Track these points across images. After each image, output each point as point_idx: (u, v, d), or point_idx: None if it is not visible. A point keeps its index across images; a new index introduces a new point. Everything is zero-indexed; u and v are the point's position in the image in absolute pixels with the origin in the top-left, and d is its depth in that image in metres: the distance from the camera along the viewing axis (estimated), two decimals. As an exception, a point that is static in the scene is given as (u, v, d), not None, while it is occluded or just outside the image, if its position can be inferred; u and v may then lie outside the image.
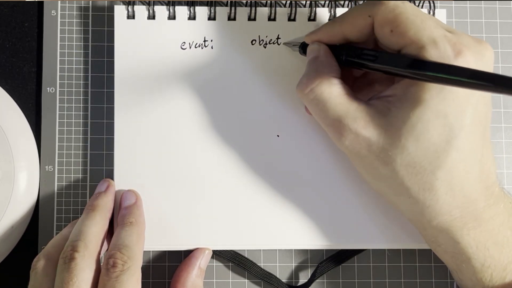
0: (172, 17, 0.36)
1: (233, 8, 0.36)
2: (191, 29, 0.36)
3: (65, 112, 0.36)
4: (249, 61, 0.36)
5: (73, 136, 0.36)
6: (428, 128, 0.28)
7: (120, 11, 0.36)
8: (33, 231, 0.36)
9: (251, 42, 0.36)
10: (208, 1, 0.36)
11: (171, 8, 0.36)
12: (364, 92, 0.34)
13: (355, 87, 0.34)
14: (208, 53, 0.36)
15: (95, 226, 0.31)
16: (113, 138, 0.35)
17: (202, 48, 0.36)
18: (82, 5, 0.37)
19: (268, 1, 0.36)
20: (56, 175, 0.36)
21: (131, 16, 0.36)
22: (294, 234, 0.35)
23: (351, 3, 0.36)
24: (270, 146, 0.36)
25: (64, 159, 0.36)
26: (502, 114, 0.38)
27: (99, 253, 0.31)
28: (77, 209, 0.36)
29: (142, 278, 0.31)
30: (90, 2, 0.37)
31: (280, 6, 0.36)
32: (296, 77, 0.36)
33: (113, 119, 0.36)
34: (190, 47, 0.36)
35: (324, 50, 0.32)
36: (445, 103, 0.28)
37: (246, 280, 0.37)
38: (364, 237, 0.35)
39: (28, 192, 0.35)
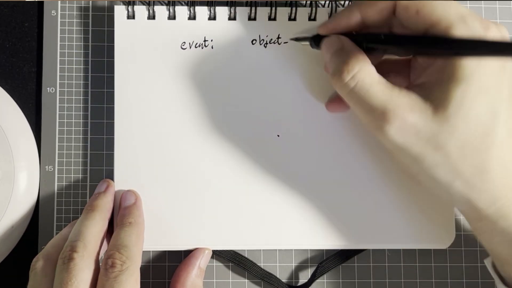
0: (172, 17, 0.36)
1: (233, 8, 0.36)
2: (191, 29, 0.36)
3: (65, 112, 0.36)
4: (249, 61, 0.36)
5: (73, 136, 0.36)
6: (474, 105, 0.27)
7: (120, 11, 0.36)
8: (33, 231, 0.36)
9: (251, 42, 0.36)
10: (208, 1, 0.36)
11: (171, 8, 0.35)
12: None
13: None
14: (208, 53, 0.36)
15: (94, 227, 0.31)
16: (113, 138, 0.35)
17: (202, 48, 0.36)
18: (82, 5, 0.37)
19: (268, 1, 0.36)
20: (56, 175, 0.36)
21: (131, 16, 0.36)
22: (294, 234, 0.35)
23: (350, 3, 0.36)
24: (270, 146, 0.36)
25: (64, 159, 0.36)
26: None
27: (98, 254, 0.31)
28: (77, 209, 0.36)
29: (142, 278, 0.31)
30: (90, 2, 0.37)
31: (281, 6, 0.36)
32: (297, 77, 0.36)
33: (113, 119, 0.36)
34: (190, 47, 0.36)
35: (346, 40, 0.31)
36: (485, 77, 0.27)
37: (246, 280, 0.37)
38: (364, 237, 0.35)
39: (28, 192, 0.35)
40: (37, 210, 0.36)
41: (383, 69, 0.33)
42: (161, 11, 0.36)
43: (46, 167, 0.36)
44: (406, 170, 0.31)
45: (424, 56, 0.30)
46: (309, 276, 0.36)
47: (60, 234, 0.33)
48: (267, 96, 0.36)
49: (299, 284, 0.37)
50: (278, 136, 0.36)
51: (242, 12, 0.36)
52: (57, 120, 0.36)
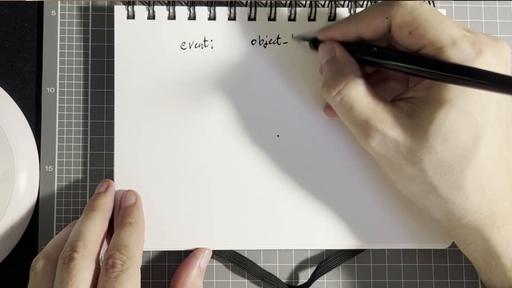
0: (172, 17, 0.36)
1: (233, 8, 0.36)
2: (191, 29, 0.36)
3: (65, 112, 0.36)
4: (249, 61, 0.36)
5: (73, 136, 0.36)
6: (455, 128, 0.28)
7: (120, 11, 0.36)
8: (33, 231, 0.36)
9: (251, 42, 0.36)
10: (208, 1, 0.36)
11: (171, 8, 0.35)
12: (379, 88, 0.33)
13: (368, 83, 0.34)
14: (208, 53, 0.36)
15: (94, 227, 0.31)
16: (113, 138, 0.35)
17: (202, 48, 0.36)
18: (82, 5, 0.37)
19: (268, 1, 0.36)
20: (56, 175, 0.36)
21: (131, 16, 0.36)
22: (294, 234, 0.35)
23: (350, 3, 0.36)
24: (270, 146, 0.36)
25: (64, 159, 0.36)
26: None
27: (99, 254, 0.31)
28: (77, 209, 0.36)
29: (142, 278, 0.31)
30: (90, 2, 0.37)
31: (280, 6, 0.36)
32: (296, 77, 0.36)
33: (113, 119, 0.36)
34: (190, 47, 0.36)
35: (340, 49, 0.31)
36: (469, 101, 0.28)
37: (246, 280, 0.37)
38: (364, 237, 0.35)
39: (28, 192, 0.35)
40: (37, 210, 0.36)
41: (382, 75, 0.34)
42: (161, 11, 0.36)
43: (46, 167, 0.36)
44: (387, 176, 0.33)
45: (413, 75, 0.30)
46: (309, 276, 0.36)
47: (60, 234, 0.33)
48: (267, 96, 0.36)
49: (299, 284, 0.37)
50: (278, 136, 0.36)
51: (242, 12, 0.36)
52: (57, 120, 0.36)
